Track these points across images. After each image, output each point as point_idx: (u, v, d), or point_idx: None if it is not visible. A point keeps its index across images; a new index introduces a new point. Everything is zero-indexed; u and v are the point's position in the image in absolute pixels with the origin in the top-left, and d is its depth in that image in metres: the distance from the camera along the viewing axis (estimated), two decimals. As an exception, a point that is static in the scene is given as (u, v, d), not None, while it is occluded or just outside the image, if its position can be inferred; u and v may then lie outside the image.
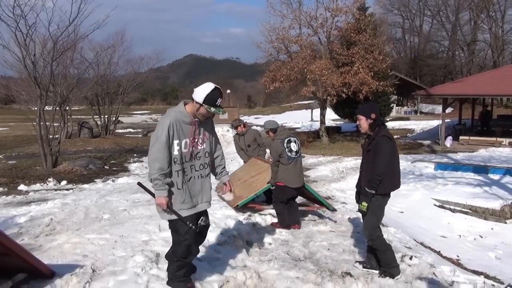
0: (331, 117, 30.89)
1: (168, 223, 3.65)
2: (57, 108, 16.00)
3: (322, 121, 22.09)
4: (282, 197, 6.08)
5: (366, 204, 4.10)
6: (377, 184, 4.01)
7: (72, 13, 12.62)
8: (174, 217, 3.49)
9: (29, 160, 15.49)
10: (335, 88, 18.86)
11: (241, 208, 6.60)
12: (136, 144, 21.64)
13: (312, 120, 35.89)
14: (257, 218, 6.41)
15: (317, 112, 23.70)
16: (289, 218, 6.08)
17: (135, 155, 17.47)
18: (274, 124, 6.31)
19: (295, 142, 6.05)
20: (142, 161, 15.45)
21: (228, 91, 53.18)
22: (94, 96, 24.55)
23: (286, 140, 5.98)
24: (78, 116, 25.78)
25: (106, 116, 24.99)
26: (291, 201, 6.28)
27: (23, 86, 17.29)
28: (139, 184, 3.69)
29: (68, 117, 21.88)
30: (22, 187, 10.27)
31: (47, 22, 12.77)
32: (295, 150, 6.01)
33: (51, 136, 13.79)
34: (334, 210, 7.01)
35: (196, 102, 3.37)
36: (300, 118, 37.90)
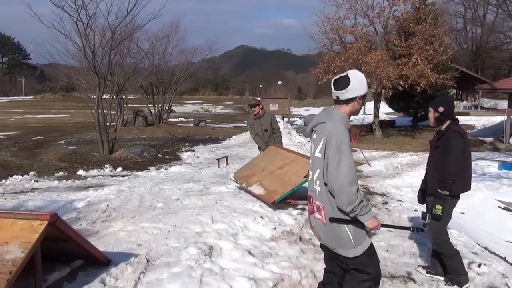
0: (385, 111, 29.89)
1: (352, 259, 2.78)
2: (114, 97, 16.50)
3: (376, 115, 21.40)
4: None
5: (440, 207, 3.75)
6: (450, 184, 3.69)
7: (130, 3, 12.89)
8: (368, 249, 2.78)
9: (88, 146, 16.12)
10: (391, 80, 18.15)
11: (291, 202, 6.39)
12: (187, 133, 22.00)
13: (364, 113, 34.94)
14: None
15: (370, 105, 23.00)
16: None
17: (186, 144, 17.75)
18: None
19: None
20: (194, 151, 15.66)
21: (279, 82, 53.05)
22: (148, 85, 25.19)
23: None
24: (134, 105, 26.56)
25: (159, 105, 25.59)
26: None
27: (83, 75, 18.02)
28: (333, 219, 2.71)
29: (124, 105, 22.61)
30: (80, 172, 10.68)
31: (106, 12, 13.16)
32: None
33: (108, 124, 14.26)
34: None
35: (362, 96, 2.79)
36: (352, 111, 36.86)
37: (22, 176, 9.80)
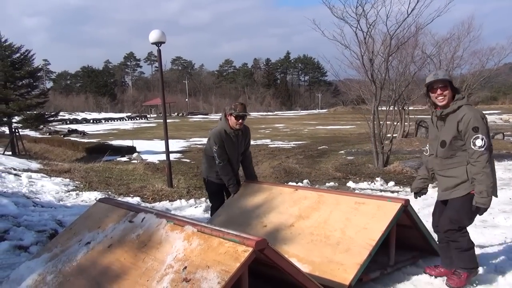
0: None
1: None
2: (392, 107, 15.71)
3: None
4: (473, 218, 3.52)
5: None
6: None
7: (410, 3, 11.91)
8: None
9: (365, 157, 15.88)
10: None
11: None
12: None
13: None
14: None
15: None
16: None
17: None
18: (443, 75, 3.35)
19: None
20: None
21: None
22: (434, 94, 23.11)
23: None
24: (417, 116, 25.02)
25: (445, 115, 23.13)
26: None
27: (365, 85, 17.86)
28: None
29: (406, 116, 21.47)
30: (350, 183, 10.39)
31: (385, 17, 12.53)
32: None
33: (389, 135, 13.59)
34: None
35: None
36: None
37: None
